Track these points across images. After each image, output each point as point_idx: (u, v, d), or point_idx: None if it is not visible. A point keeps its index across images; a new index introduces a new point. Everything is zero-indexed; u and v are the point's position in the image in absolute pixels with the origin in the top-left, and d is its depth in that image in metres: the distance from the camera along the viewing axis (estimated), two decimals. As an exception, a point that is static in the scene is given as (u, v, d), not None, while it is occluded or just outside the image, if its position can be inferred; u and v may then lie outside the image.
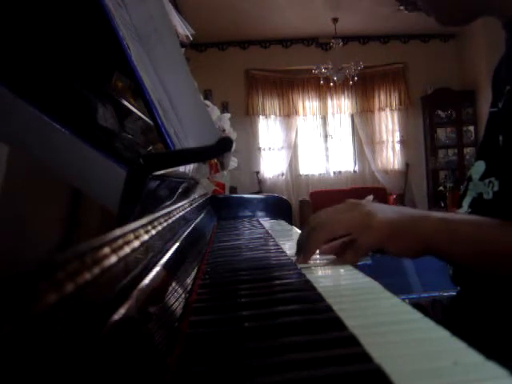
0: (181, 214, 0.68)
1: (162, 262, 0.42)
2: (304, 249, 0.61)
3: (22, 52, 0.39)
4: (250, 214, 1.45)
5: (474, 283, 0.65)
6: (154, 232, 0.44)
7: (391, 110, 6.50)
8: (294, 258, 0.63)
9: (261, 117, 6.41)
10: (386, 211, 0.59)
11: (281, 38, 6.27)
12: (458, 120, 6.19)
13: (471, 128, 6.21)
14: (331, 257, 0.63)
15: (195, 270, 0.59)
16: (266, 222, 1.28)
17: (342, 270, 0.57)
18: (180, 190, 0.79)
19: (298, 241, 0.64)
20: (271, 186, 6.29)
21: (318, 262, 0.62)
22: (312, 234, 0.60)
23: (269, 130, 6.46)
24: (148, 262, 0.38)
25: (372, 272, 0.55)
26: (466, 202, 0.70)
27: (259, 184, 6.33)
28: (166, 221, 0.54)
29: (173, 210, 0.63)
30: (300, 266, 0.59)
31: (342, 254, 0.60)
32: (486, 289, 0.63)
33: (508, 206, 0.60)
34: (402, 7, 5.11)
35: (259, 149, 6.41)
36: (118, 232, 0.33)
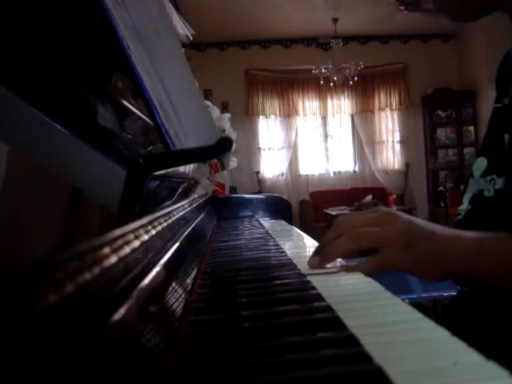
0: (181, 214, 0.68)
1: (162, 262, 0.42)
2: (325, 253, 0.56)
3: (21, 52, 0.39)
4: (250, 213, 1.45)
5: (475, 284, 0.65)
6: (154, 232, 0.44)
7: (391, 109, 6.51)
8: (295, 261, 0.62)
9: (261, 117, 6.41)
10: (418, 229, 0.54)
11: (281, 38, 6.28)
12: (458, 120, 6.19)
13: (471, 128, 6.21)
14: (340, 261, 0.59)
15: (195, 270, 0.59)
16: (266, 222, 1.28)
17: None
18: (180, 190, 0.79)
19: (321, 242, 0.59)
20: (271, 186, 6.29)
21: (328, 267, 0.57)
22: (338, 240, 0.55)
23: (269, 129, 6.46)
24: (148, 261, 0.38)
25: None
26: (466, 199, 0.69)
27: (259, 184, 6.33)
28: (165, 221, 0.54)
29: (173, 210, 0.63)
30: (307, 271, 0.55)
31: (358, 263, 0.55)
32: (487, 289, 0.62)
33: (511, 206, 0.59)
34: (402, 7, 5.11)
35: (259, 149, 6.41)
36: (118, 232, 0.33)
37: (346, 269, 0.56)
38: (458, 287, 0.72)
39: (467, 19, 0.69)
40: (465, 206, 0.69)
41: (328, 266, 0.57)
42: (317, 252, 0.58)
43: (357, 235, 0.54)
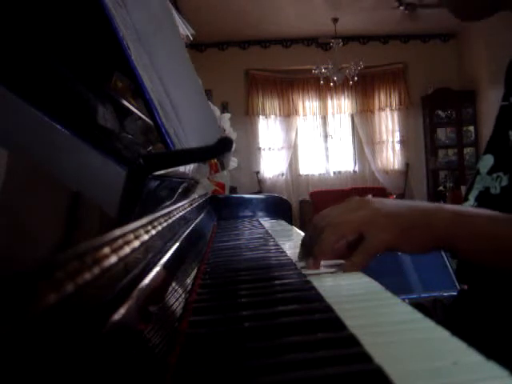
0: (181, 214, 0.68)
1: (162, 262, 0.42)
2: (314, 253, 0.57)
3: (22, 52, 0.39)
4: (250, 213, 1.45)
5: (479, 278, 0.65)
6: (154, 232, 0.44)
7: (391, 109, 6.50)
8: (297, 262, 0.62)
9: (261, 117, 6.41)
10: (396, 207, 0.56)
11: (281, 38, 6.27)
12: (458, 120, 6.19)
13: (471, 128, 6.21)
14: (336, 261, 0.58)
15: (195, 270, 0.59)
16: (266, 222, 1.28)
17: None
18: (180, 190, 0.79)
19: (304, 244, 0.60)
20: (271, 186, 6.29)
21: (324, 268, 0.57)
22: (321, 236, 0.55)
23: (269, 130, 6.46)
24: (148, 261, 0.38)
25: (372, 272, 0.54)
26: (472, 196, 0.69)
27: (259, 184, 6.33)
28: (165, 221, 0.54)
29: (173, 210, 0.63)
30: (307, 272, 0.55)
31: (350, 257, 0.55)
32: (490, 284, 0.62)
33: None
34: (402, 7, 5.12)
35: (259, 149, 6.41)
36: (118, 232, 0.33)
37: (343, 267, 0.55)
38: (459, 287, 0.72)
39: (474, 18, 0.69)
40: (471, 202, 0.69)
41: (328, 265, 0.57)
42: (305, 252, 0.59)
43: (337, 225, 0.55)
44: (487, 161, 0.67)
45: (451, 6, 0.67)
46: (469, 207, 0.56)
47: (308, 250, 0.58)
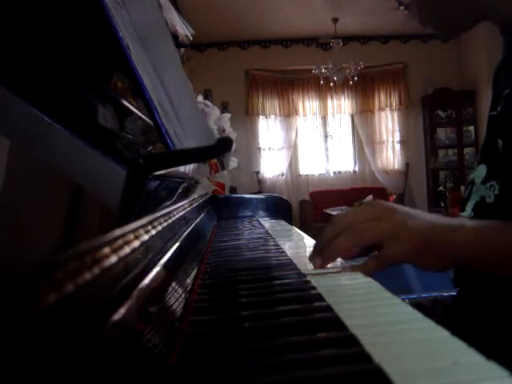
0: (181, 214, 0.68)
1: (162, 262, 0.42)
2: (326, 253, 0.55)
3: (21, 52, 0.39)
4: (250, 213, 1.45)
5: (476, 285, 0.65)
6: (154, 232, 0.44)
7: (391, 109, 6.51)
8: (295, 261, 0.62)
9: (261, 117, 6.41)
10: (420, 221, 0.54)
11: (281, 38, 6.27)
12: (458, 120, 6.19)
13: (471, 128, 6.21)
14: (340, 262, 0.58)
15: (195, 270, 0.59)
16: (266, 222, 1.28)
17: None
18: (180, 190, 0.79)
19: (319, 241, 0.58)
20: (271, 186, 6.29)
21: (328, 266, 0.56)
22: (338, 238, 0.53)
23: (269, 130, 6.46)
24: (148, 261, 0.38)
25: (372, 272, 0.54)
26: (469, 206, 0.70)
27: (259, 184, 6.33)
28: (165, 221, 0.54)
29: (173, 210, 0.63)
30: (307, 271, 0.55)
31: (366, 261, 0.55)
32: (486, 291, 0.62)
33: (509, 210, 0.60)
34: (402, 7, 5.11)
35: (259, 149, 6.41)
36: (118, 232, 0.33)
37: (351, 268, 0.55)
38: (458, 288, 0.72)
39: (454, 33, 0.70)
40: (468, 212, 0.69)
41: (328, 265, 0.57)
42: (316, 251, 0.57)
43: (357, 231, 0.53)
44: (481, 171, 0.68)
45: (429, 23, 0.67)
46: (489, 221, 0.55)
47: (320, 248, 0.56)
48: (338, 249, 0.54)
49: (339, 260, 0.58)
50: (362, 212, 0.56)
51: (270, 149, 6.44)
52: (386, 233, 0.53)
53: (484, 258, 0.54)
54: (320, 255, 0.56)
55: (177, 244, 0.53)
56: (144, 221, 0.42)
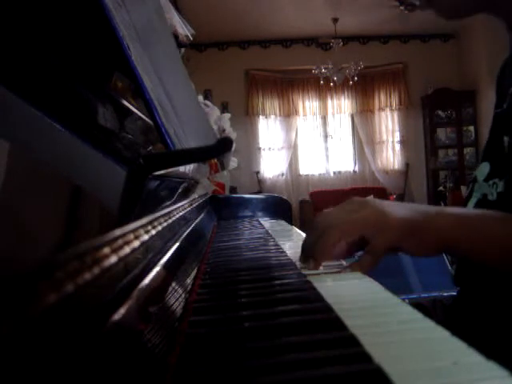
0: (181, 214, 0.68)
1: (162, 262, 0.42)
2: (315, 255, 0.56)
3: (21, 52, 0.39)
4: (250, 213, 1.45)
5: (476, 283, 0.65)
6: (154, 232, 0.44)
7: (391, 109, 6.51)
8: (297, 262, 0.61)
9: (261, 117, 6.41)
10: (398, 209, 0.55)
11: (281, 38, 6.27)
12: (458, 120, 6.19)
13: (471, 128, 6.21)
14: (338, 263, 0.58)
15: (195, 270, 0.59)
16: (266, 222, 1.28)
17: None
18: (180, 190, 0.79)
19: (304, 246, 0.59)
20: (271, 186, 6.29)
21: (324, 268, 0.57)
22: (322, 238, 0.54)
23: (269, 130, 6.46)
24: (148, 261, 0.38)
25: (372, 272, 0.54)
26: (471, 203, 0.70)
27: (259, 184, 6.33)
28: (165, 221, 0.54)
29: (173, 210, 0.63)
30: (306, 272, 0.55)
31: (359, 259, 0.55)
32: (487, 290, 0.62)
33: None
34: (402, 7, 5.11)
35: (259, 149, 6.41)
36: (118, 232, 0.33)
37: (350, 266, 0.55)
38: (459, 287, 0.72)
39: (455, 16, 0.69)
40: None
41: (328, 266, 0.57)
42: (306, 256, 0.58)
43: (340, 225, 0.55)
44: (484, 168, 0.68)
45: (432, 3, 0.67)
46: (471, 209, 0.56)
47: (309, 251, 0.58)
48: (326, 245, 0.54)
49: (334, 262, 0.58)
50: (340, 209, 0.58)
51: (269, 149, 6.45)
52: (367, 223, 0.54)
53: (468, 247, 0.54)
54: (311, 257, 0.56)
55: (177, 244, 0.53)
56: (144, 221, 0.42)
